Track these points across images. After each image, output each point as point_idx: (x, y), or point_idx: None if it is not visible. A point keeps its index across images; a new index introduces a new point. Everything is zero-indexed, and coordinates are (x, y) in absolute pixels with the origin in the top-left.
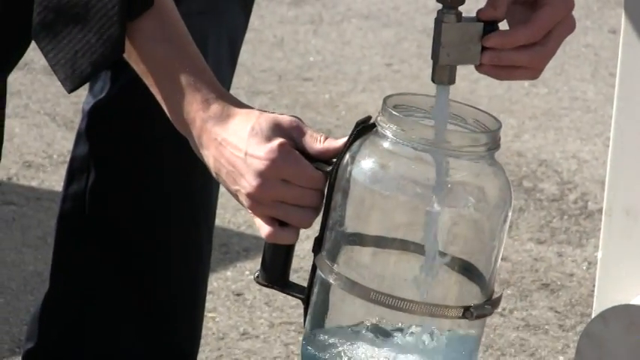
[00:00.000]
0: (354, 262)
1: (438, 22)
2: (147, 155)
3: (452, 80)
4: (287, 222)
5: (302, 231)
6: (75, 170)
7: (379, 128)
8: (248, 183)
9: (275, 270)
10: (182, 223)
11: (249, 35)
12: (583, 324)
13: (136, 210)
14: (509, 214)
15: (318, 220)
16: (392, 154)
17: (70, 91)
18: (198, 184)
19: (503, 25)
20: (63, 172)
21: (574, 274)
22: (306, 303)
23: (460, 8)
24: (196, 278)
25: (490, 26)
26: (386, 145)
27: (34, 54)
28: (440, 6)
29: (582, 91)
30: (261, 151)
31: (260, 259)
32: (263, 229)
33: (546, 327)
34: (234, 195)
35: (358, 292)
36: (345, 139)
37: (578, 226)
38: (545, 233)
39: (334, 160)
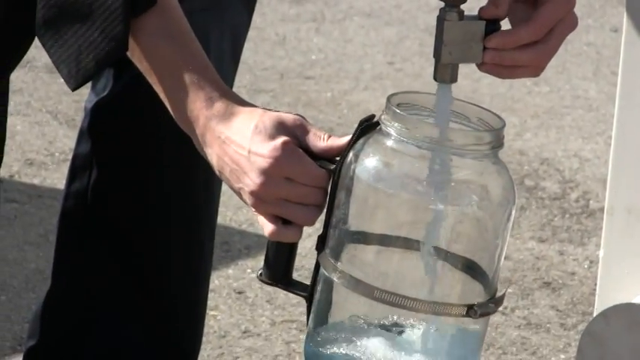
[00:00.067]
0: (357, 260)
1: (440, 20)
2: (149, 153)
3: (454, 79)
4: (290, 220)
5: (303, 229)
6: (77, 168)
7: (383, 126)
8: (251, 181)
9: (278, 268)
10: (184, 221)
11: (251, 33)
12: (584, 323)
13: (138, 208)
14: (513, 212)
15: (321, 218)
16: (396, 152)
17: (74, 88)
18: (201, 182)
19: (505, 23)
20: (65, 169)
21: (575, 273)
22: (309, 301)
23: (462, 6)
24: (198, 276)
25: (492, 24)
26: (390, 143)
27: (36, 52)
28: (442, 4)
29: (584, 90)
30: (264, 149)
31: (262, 257)
32: (266, 227)
33: (548, 325)
34: (238, 193)
35: (362, 290)
36: (348, 137)
37: (579, 225)
38: (547, 232)
39: (338, 158)
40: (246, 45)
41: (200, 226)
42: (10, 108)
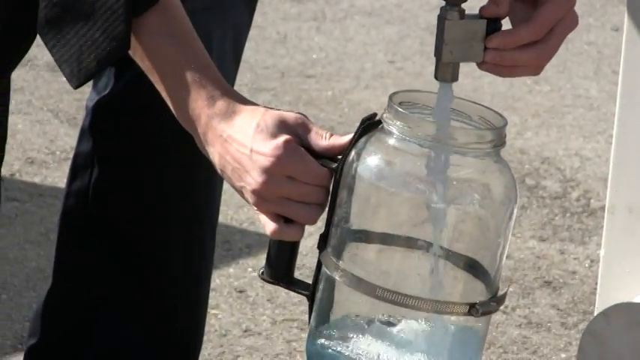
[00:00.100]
0: (359, 259)
1: (441, 19)
2: (150, 152)
3: (455, 78)
4: (292, 219)
5: (305, 228)
6: (78, 167)
7: (385, 125)
8: (253, 179)
9: (280, 267)
10: (185, 219)
11: (252, 32)
12: (585, 322)
13: (139, 206)
14: (515, 211)
15: (323, 217)
16: (398, 150)
17: (76, 87)
18: (202, 180)
19: (506, 22)
20: (66, 168)
21: (576, 272)
22: (311, 300)
23: (463, 5)
24: (199, 275)
25: (493, 23)
26: (392, 141)
27: (37, 50)
28: (443, 3)
29: (585, 89)
30: (266, 148)
31: (263, 256)
32: (268, 225)
33: (548, 325)
34: (240, 192)
35: (364, 288)
36: (350, 135)
37: (580, 224)
38: (548, 231)
39: (340, 156)
40: (247, 44)
41: (201, 225)
42: (12, 106)
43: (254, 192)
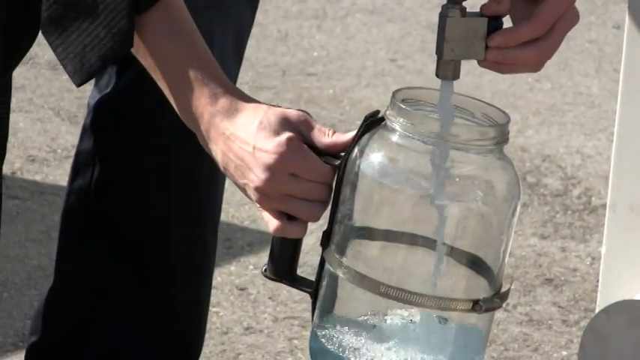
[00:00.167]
0: (362, 256)
1: (443, 17)
2: (152, 150)
3: (456, 75)
4: (295, 216)
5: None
6: (80, 165)
7: (388, 122)
8: (256, 177)
9: (283, 264)
10: (187, 217)
11: (253, 30)
12: (587, 319)
13: (141, 204)
14: (518, 207)
15: (325, 214)
16: (401, 147)
17: (79, 84)
18: (204, 178)
19: (507, 20)
20: (67, 166)
21: (577, 270)
22: (314, 297)
23: (464, 3)
24: (201, 273)
25: (494, 21)
26: (395, 138)
27: (38, 49)
28: (444, 1)
29: (586, 87)
30: (269, 145)
31: (264, 254)
32: (271, 223)
33: (550, 322)
34: (242, 189)
35: (368, 285)
36: (353, 133)
37: (581, 222)
38: (549, 228)
39: (342, 154)
40: (248, 42)
41: (203, 223)
42: (13, 105)
43: (257, 189)
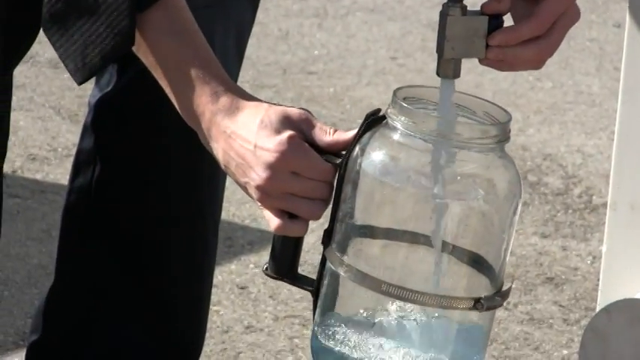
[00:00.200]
0: (364, 254)
1: (443, 15)
2: (153, 148)
3: (457, 74)
4: (296, 214)
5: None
6: (81, 163)
7: (389, 120)
8: (257, 175)
9: (284, 262)
10: (188, 216)
11: (253, 28)
12: (587, 318)
13: (142, 203)
14: (519, 206)
15: (326, 213)
16: (402, 146)
17: (80, 82)
18: (205, 177)
19: (507, 18)
20: (67, 165)
21: (578, 268)
22: (316, 295)
23: (465, 2)
24: (202, 271)
25: (495, 20)
26: (396, 137)
27: (39, 47)
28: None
29: (587, 85)
30: (270, 144)
31: (265, 253)
32: (272, 221)
33: (550, 321)
34: (243, 187)
35: (369, 283)
36: (354, 131)
37: (582, 220)
38: (550, 227)
39: (344, 152)
40: (249, 40)
41: (204, 221)
42: (13, 103)
43: (258, 188)
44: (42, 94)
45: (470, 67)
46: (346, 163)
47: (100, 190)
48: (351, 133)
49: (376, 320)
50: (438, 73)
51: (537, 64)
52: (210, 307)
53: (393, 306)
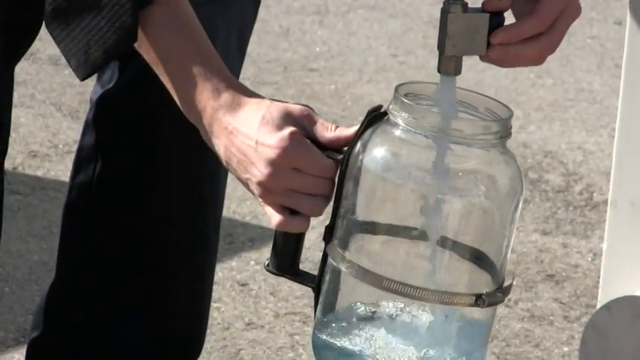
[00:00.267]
0: (365, 250)
1: (444, 12)
2: (155, 145)
3: (458, 71)
4: (298, 210)
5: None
6: (82, 160)
7: (391, 116)
8: (259, 171)
9: (285, 259)
10: (189, 213)
11: (255, 25)
12: (588, 315)
13: (143, 199)
14: (520, 202)
15: (327, 209)
16: (404, 142)
17: (83, 78)
18: (207, 174)
19: (508, 15)
20: (68, 161)
21: (579, 266)
22: (317, 292)
23: None
24: (203, 268)
25: (496, 17)
26: (398, 133)
27: (39, 44)
28: None
29: (588, 83)
30: (272, 140)
31: (265, 250)
32: (274, 217)
33: (551, 318)
34: (245, 184)
35: (370, 279)
36: (356, 127)
37: (583, 218)
38: (551, 224)
39: (345, 148)
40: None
41: (205, 218)
42: (14, 100)
43: (259, 184)
44: (43, 91)
45: (471, 64)
46: (348, 159)
47: (101, 187)
48: (352, 130)
49: (377, 316)
50: (439, 70)
51: (538, 60)
52: (211, 304)
53: (395, 302)
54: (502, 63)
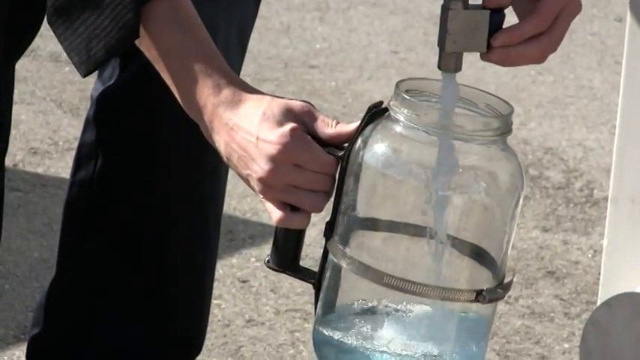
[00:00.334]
0: (366, 247)
1: (445, 9)
2: (155, 142)
3: (458, 68)
4: (298, 207)
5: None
6: (82, 157)
7: (392, 112)
8: (260, 167)
9: (286, 255)
10: (190, 210)
11: (255, 22)
12: (588, 312)
13: (144, 197)
14: (521, 199)
15: (328, 206)
16: (404, 138)
17: (84, 75)
18: (207, 171)
19: (509, 11)
20: (69, 158)
21: (579, 262)
22: (317, 288)
23: None
24: (203, 267)
25: (496, 14)
26: (398, 129)
27: (40, 41)
28: None
29: (588, 79)
30: (272, 136)
31: (266, 246)
32: (274, 213)
33: (552, 315)
34: (245, 180)
35: (371, 276)
36: (356, 123)
37: (583, 214)
38: (551, 221)
39: (346, 145)
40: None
41: (206, 215)
42: (15, 97)
43: (260, 180)
44: (43, 88)
45: (472, 60)
46: (348, 155)
47: (102, 184)
48: (353, 126)
49: (378, 312)
50: (439, 67)
51: (540, 59)
52: (212, 300)
53: (395, 298)
54: (504, 64)
